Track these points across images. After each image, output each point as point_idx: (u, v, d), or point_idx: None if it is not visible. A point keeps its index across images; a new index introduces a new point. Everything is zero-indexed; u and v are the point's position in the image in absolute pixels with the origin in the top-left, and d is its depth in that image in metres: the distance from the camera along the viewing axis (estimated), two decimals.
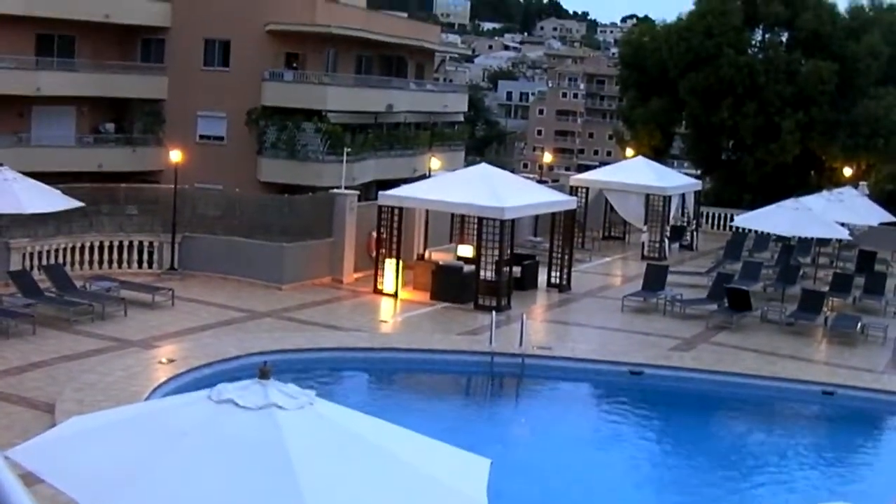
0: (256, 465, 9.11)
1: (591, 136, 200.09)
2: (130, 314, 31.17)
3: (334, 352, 29.10)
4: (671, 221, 50.46)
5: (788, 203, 40.89)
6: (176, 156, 37.77)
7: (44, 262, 34.30)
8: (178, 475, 9.03)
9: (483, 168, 39.38)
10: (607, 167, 55.70)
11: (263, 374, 9.85)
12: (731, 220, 45.45)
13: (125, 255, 36.89)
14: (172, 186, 37.14)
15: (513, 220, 36.60)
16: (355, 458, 9.57)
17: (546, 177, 65.81)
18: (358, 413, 10.49)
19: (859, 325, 35.44)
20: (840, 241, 46.56)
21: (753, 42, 69.29)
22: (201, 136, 63.60)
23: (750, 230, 46.94)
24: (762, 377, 29.57)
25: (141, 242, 37.14)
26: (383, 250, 36.94)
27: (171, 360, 26.38)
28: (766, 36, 69.44)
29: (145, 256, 37.15)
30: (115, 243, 36.78)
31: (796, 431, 28.65)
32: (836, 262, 48.53)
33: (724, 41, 64.55)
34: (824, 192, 48.11)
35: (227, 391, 9.67)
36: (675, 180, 52.17)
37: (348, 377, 29.22)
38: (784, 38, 68.67)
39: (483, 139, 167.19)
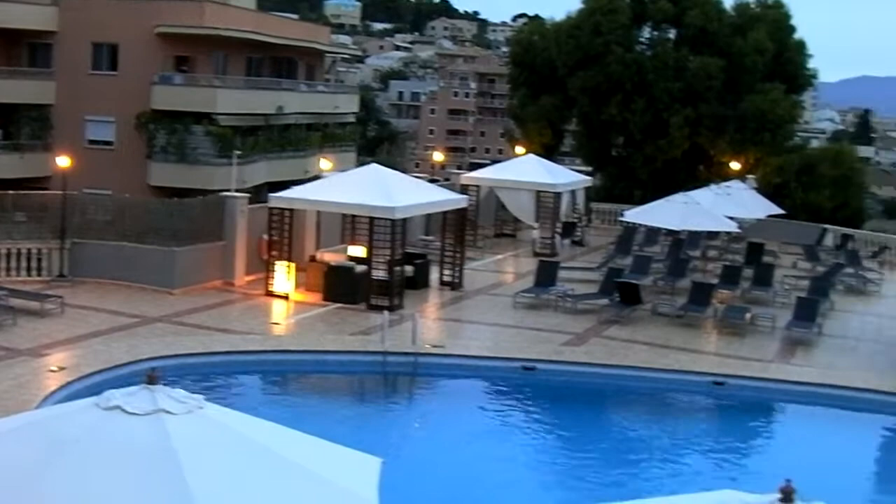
0: (146, 471, 9.06)
1: (482, 134, 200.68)
2: (19, 322, 30.75)
3: (227, 355, 28.92)
4: (562, 218, 50.82)
5: (678, 197, 41.45)
6: (64, 161, 37.38)
7: None
8: (67, 484, 8.96)
9: (374, 168, 39.38)
10: (498, 165, 55.95)
11: (151, 379, 9.81)
12: (622, 215, 45.99)
13: (13, 263, 36.40)
14: (61, 192, 36.75)
15: (404, 220, 36.64)
16: (246, 461, 9.55)
17: (437, 175, 66.01)
18: (248, 416, 10.48)
19: (748, 315, 35.98)
20: (728, 233, 47.26)
21: (641, 39, 70.14)
22: (90, 141, 62.88)
23: (640, 225, 47.41)
24: (654, 369, 29.94)
25: (29, 249, 36.65)
26: (275, 252, 36.81)
27: (61, 368, 26.09)
28: (654, 33, 70.32)
29: (34, 263, 36.67)
30: (3, 251, 36.28)
31: (688, 422, 29.06)
32: (724, 255, 49.22)
33: (612, 39, 65.26)
34: (712, 186, 48.84)
35: (114, 398, 9.60)
36: (566, 177, 52.52)
37: (241, 381, 29.08)
38: (672, 35, 69.57)
39: (374, 139, 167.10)
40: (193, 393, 10.21)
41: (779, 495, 8.10)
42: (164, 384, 9.96)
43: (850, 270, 46.06)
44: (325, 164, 55.04)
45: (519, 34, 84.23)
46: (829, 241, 53.82)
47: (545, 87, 69.41)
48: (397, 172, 41.91)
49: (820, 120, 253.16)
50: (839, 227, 56.38)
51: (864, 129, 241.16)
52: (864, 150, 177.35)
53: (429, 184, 44.66)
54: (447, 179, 57.77)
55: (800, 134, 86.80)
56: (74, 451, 9.20)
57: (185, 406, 9.67)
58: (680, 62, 65.68)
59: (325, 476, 9.80)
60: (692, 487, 22.67)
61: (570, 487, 23.50)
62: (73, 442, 9.24)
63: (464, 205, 41.01)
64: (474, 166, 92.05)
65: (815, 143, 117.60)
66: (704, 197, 44.20)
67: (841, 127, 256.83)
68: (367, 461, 10.56)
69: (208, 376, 27.03)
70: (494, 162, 75.53)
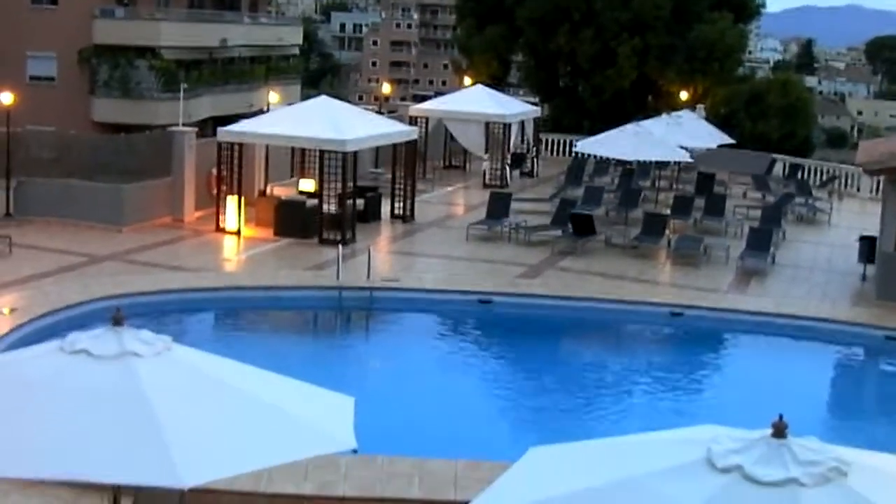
0: (116, 416, 8.79)
1: (425, 66, 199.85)
2: None
3: (180, 293, 28.51)
4: (511, 149, 50.56)
5: (630, 127, 41.27)
6: (6, 98, 36.73)
7: None
8: (35, 430, 8.69)
9: (323, 100, 38.86)
10: (447, 96, 55.48)
11: (117, 320, 9.51)
12: (572, 146, 45.67)
13: None
14: (3, 130, 36.08)
15: (355, 153, 36.27)
16: (219, 403, 9.30)
17: (384, 108, 65.49)
18: (217, 357, 10.21)
19: (702, 246, 35.91)
20: (679, 163, 47.16)
21: None
22: (31, 77, 61.92)
23: (590, 155, 47.19)
24: (611, 300, 29.82)
25: None
26: (224, 187, 36.36)
27: (12, 310, 25.59)
28: None
29: None
30: None
31: (648, 354, 29.05)
32: (675, 185, 49.13)
33: None
34: (664, 116, 48.64)
35: (79, 341, 9.30)
36: (515, 108, 52.18)
37: (196, 318, 28.74)
38: None
39: (317, 72, 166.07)
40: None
41: (770, 431, 7.90)
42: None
43: (800, 200, 46.10)
44: (273, 96, 54.42)
45: None
46: (778, 170, 53.84)
47: (491, 18, 68.86)
48: (347, 104, 41.48)
49: (763, 50, 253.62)
50: (788, 157, 56.44)
51: (807, 59, 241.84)
52: (808, 81, 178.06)
53: (378, 116, 44.22)
54: (392, 111, 57.27)
55: (746, 64, 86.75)
56: (41, 396, 8.91)
57: (153, 348, 9.39)
58: None
59: (302, 417, 9.56)
60: (657, 418, 22.72)
61: (530, 418, 23.42)
62: (39, 387, 8.94)
63: (414, 137, 40.65)
64: (419, 98, 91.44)
65: (759, 74, 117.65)
66: (656, 127, 44.01)
67: (784, 57, 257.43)
68: (341, 400, 10.33)
69: (161, 315, 26.61)
70: (438, 94, 75.11)
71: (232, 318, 29.40)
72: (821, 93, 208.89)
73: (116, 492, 10.09)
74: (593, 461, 8.52)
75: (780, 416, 7.96)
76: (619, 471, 8.12)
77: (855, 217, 44.55)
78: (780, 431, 7.89)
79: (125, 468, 8.58)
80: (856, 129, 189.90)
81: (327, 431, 9.59)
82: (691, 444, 8.16)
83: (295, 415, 9.57)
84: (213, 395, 9.37)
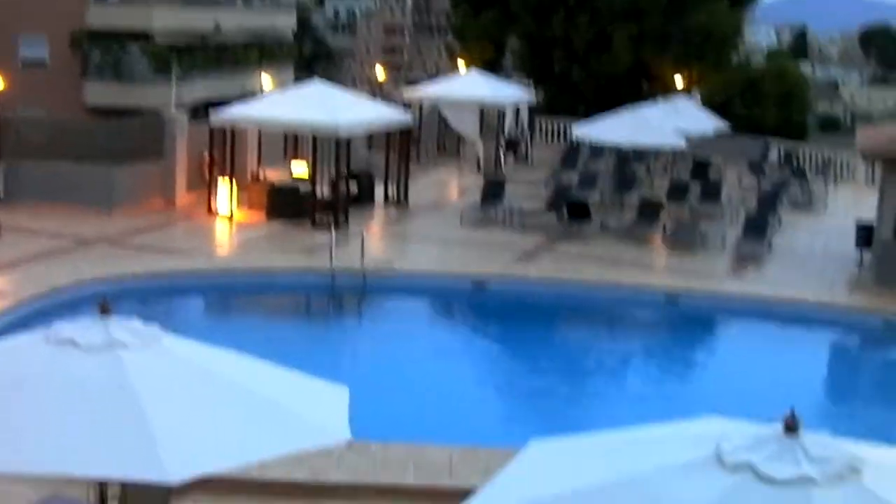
0: (102, 409, 8.51)
1: (418, 51, 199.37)
2: None
3: (171, 277, 28.20)
4: (506, 134, 50.26)
5: (626, 113, 40.97)
6: None
7: None
8: (18, 424, 8.40)
9: (317, 85, 38.54)
10: (442, 81, 55.13)
11: (104, 309, 9.20)
12: (566, 131, 45.29)
13: None
14: None
15: (348, 137, 35.97)
16: (208, 395, 9.02)
17: (375, 92, 65.06)
18: (208, 346, 9.90)
19: (697, 231, 35.69)
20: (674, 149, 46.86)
21: None
22: (23, 61, 61.43)
23: (584, 140, 46.89)
24: (607, 285, 29.59)
25: None
26: (216, 171, 36.05)
27: (1, 293, 25.36)
28: None
29: None
30: None
31: (644, 337, 28.91)
32: (671, 171, 48.81)
33: None
34: (660, 102, 48.29)
35: (65, 331, 9.00)
36: (510, 93, 51.89)
37: (188, 302, 28.54)
38: None
39: (311, 57, 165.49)
40: (140, 317, 9.65)
41: (782, 426, 7.62)
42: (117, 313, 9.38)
43: (795, 185, 45.85)
44: (266, 81, 54.05)
45: None
46: (773, 156, 53.54)
47: (486, 3, 68.57)
48: (341, 89, 41.16)
49: (757, 36, 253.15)
50: (783, 143, 56.16)
51: (800, 45, 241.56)
52: (802, 67, 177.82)
53: (371, 101, 43.90)
54: (384, 96, 56.87)
55: (741, 50, 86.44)
56: (24, 389, 8.61)
57: (141, 339, 9.08)
58: None
59: (296, 410, 9.28)
60: (653, 403, 22.52)
61: (529, 405, 23.22)
62: (22, 379, 8.65)
63: (408, 121, 40.37)
64: (412, 84, 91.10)
65: (754, 60, 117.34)
66: (653, 112, 43.70)
67: (777, 43, 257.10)
68: (335, 391, 10.05)
69: (153, 298, 26.37)
70: (431, 79, 74.68)
71: (224, 301, 29.14)
72: (814, 79, 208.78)
73: (102, 485, 9.83)
74: (597, 456, 8.24)
75: (792, 411, 7.67)
76: (624, 467, 7.85)
77: (850, 203, 44.27)
78: (791, 427, 7.60)
79: (110, 462, 8.32)
80: (849, 115, 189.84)
81: (321, 423, 9.32)
82: (700, 439, 7.88)
83: (287, 407, 9.30)
84: (203, 386, 9.08)
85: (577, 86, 66.66)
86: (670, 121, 43.30)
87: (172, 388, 8.88)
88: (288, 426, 9.16)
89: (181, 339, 9.83)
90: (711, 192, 41.57)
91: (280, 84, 59.23)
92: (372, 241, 32.51)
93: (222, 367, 9.57)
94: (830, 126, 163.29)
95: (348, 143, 36.08)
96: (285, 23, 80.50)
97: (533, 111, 55.46)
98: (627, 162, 45.95)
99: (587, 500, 7.64)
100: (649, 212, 36.67)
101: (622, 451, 8.22)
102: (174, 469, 8.33)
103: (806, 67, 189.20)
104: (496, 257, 32.23)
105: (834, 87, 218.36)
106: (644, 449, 8.13)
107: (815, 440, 7.62)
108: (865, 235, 33.21)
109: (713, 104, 58.77)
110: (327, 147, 34.77)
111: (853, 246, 33.87)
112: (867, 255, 33.14)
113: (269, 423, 9.07)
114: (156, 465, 8.26)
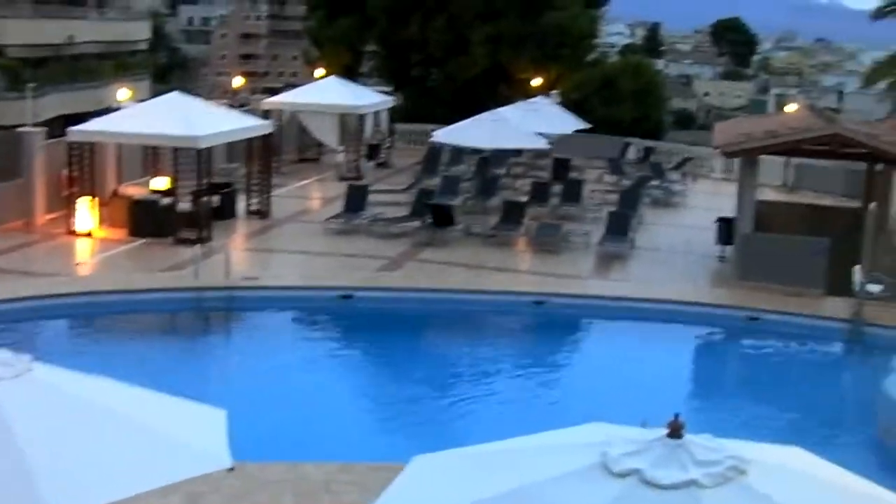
0: None
1: (274, 58, 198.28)
2: None
3: (32, 300, 27.50)
4: (366, 140, 50.21)
5: (486, 116, 41.14)
6: None
7: None
8: None
9: (175, 97, 38.01)
10: (300, 89, 54.79)
11: None
12: (427, 135, 45.40)
13: None
14: None
15: (209, 149, 35.57)
16: (86, 426, 8.80)
17: (233, 101, 64.54)
18: (82, 374, 9.67)
19: (561, 232, 35.92)
20: (534, 150, 47.14)
21: None
22: None
23: (445, 145, 46.96)
24: (473, 291, 29.62)
25: None
26: (75, 189, 35.41)
27: None
28: None
29: None
30: None
31: (514, 344, 28.90)
32: (530, 172, 49.09)
33: None
34: (520, 104, 48.63)
35: None
36: (369, 98, 51.88)
37: (51, 327, 27.78)
38: None
39: (166, 66, 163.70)
40: (0, 344, 9.40)
41: (667, 431, 7.66)
42: None
43: (655, 182, 46.38)
44: (123, 93, 53.34)
45: None
46: (631, 154, 54.14)
47: (343, 8, 68.36)
48: (198, 100, 40.73)
49: (611, 34, 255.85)
50: (641, 140, 56.82)
51: (653, 42, 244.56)
52: (656, 64, 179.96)
53: (230, 110, 43.50)
54: (243, 105, 56.43)
55: (597, 49, 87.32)
56: None
57: (13, 369, 8.84)
58: None
59: (173, 436, 9.11)
60: (528, 410, 22.59)
61: (402, 418, 23.06)
62: None
63: (269, 131, 40.09)
64: (269, 91, 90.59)
65: (609, 58, 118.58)
66: (513, 114, 44.01)
67: (630, 40, 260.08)
68: (213, 414, 9.89)
69: (14, 323, 25.75)
70: (289, 86, 74.32)
71: (89, 324, 28.47)
72: (667, 75, 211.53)
73: None
74: (484, 469, 8.20)
75: (676, 416, 7.72)
76: (511, 479, 7.83)
77: (709, 198, 44.88)
78: (676, 431, 7.65)
79: None
80: (703, 110, 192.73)
81: (201, 450, 9.16)
82: (584, 447, 7.89)
83: (167, 434, 9.12)
84: (80, 417, 8.86)
85: (435, 90, 66.77)
86: (530, 122, 43.62)
87: (47, 420, 8.65)
88: (169, 455, 8.97)
89: (52, 367, 9.59)
90: (573, 192, 41.91)
91: (137, 95, 58.62)
92: (237, 255, 32.13)
93: (98, 395, 9.36)
94: (685, 121, 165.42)
95: (209, 154, 35.71)
96: (139, 33, 79.66)
97: (393, 116, 55.47)
98: (489, 165, 46.09)
99: None
100: (512, 214, 36.84)
101: (508, 463, 8.20)
102: None
103: (660, 64, 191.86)
104: (362, 267, 32.08)
105: (687, 82, 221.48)
106: (530, 459, 8.11)
107: (700, 443, 7.69)
108: (726, 230, 33.70)
109: (571, 103, 59.31)
110: (188, 159, 34.35)
111: (714, 241, 34.38)
112: (728, 250, 33.62)
113: (150, 453, 8.87)
114: (33, 502, 8.03)
